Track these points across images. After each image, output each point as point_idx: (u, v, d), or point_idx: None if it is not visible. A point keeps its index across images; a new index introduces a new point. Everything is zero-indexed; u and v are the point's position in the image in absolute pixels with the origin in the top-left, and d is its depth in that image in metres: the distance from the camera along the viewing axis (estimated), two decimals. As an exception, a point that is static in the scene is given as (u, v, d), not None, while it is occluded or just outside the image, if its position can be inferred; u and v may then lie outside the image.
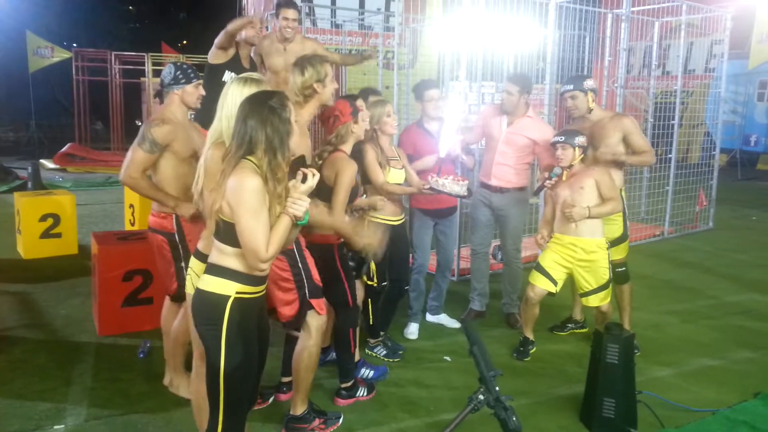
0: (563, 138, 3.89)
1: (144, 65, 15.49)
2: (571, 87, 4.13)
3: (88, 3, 20.46)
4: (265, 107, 2.20)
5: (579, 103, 4.12)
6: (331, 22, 11.95)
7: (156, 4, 25.15)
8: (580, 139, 3.87)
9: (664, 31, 8.98)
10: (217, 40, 4.79)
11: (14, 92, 16.95)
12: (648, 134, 8.05)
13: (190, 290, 2.65)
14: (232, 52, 4.75)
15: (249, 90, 2.47)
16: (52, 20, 18.46)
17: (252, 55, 5.04)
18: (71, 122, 15.85)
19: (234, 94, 2.50)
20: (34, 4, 17.20)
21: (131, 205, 6.96)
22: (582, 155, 3.89)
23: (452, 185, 3.89)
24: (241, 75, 2.68)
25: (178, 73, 3.26)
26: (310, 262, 3.01)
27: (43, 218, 6.21)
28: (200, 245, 2.65)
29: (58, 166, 12.48)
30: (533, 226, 6.30)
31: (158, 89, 3.39)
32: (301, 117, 3.12)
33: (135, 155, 3.21)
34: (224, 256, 2.25)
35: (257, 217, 2.13)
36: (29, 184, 10.04)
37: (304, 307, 2.97)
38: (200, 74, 3.45)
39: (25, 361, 3.89)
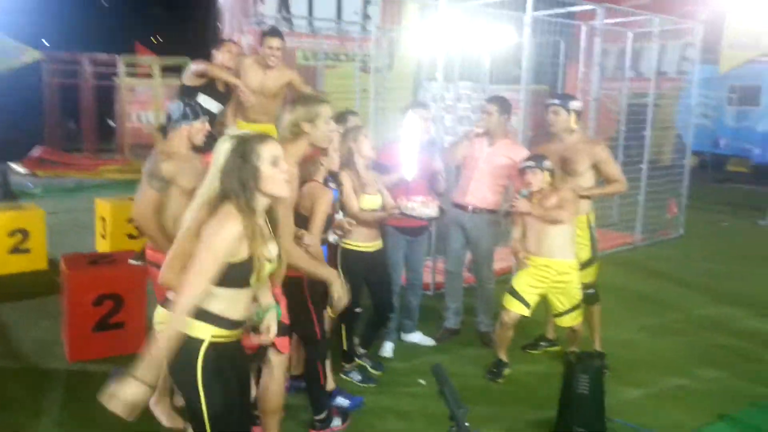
0: (533, 163, 3.92)
1: (116, 67, 15.27)
2: (557, 102, 4.16)
3: (57, 1, 20.05)
4: (238, 149, 2.18)
5: (560, 120, 4.15)
6: (309, 24, 11.89)
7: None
8: (548, 163, 3.92)
9: (637, 38, 9.09)
10: (194, 68, 4.77)
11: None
12: (620, 137, 8.18)
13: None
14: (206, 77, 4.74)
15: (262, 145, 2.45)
16: (22, 18, 18.05)
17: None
18: (42, 124, 15.52)
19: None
20: (2, 2, 16.82)
21: (103, 218, 6.86)
22: (550, 178, 3.93)
23: (421, 208, 3.92)
24: (233, 131, 2.65)
25: (187, 109, 3.32)
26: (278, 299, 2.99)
27: (12, 233, 6.10)
28: (170, 294, 2.63)
29: (28, 171, 12.25)
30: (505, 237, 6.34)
31: (163, 125, 3.41)
32: (290, 155, 3.09)
33: (146, 195, 3.21)
34: (205, 296, 2.19)
35: (214, 257, 2.09)
36: (-1, 192, 9.89)
37: (263, 347, 2.95)
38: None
39: (-7, 391, 3.83)
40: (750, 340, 4.87)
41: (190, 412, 2.26)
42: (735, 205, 10.86)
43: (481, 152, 4.49)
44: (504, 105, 4.44)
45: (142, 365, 2.08)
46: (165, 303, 2.75)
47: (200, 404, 2.18)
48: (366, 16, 12.34)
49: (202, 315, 2.20)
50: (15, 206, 6.66)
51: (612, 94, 11.17)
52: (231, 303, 2.22)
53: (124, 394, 2.08)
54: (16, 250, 6.12)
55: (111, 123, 18.10)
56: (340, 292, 3.01)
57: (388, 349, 4.41)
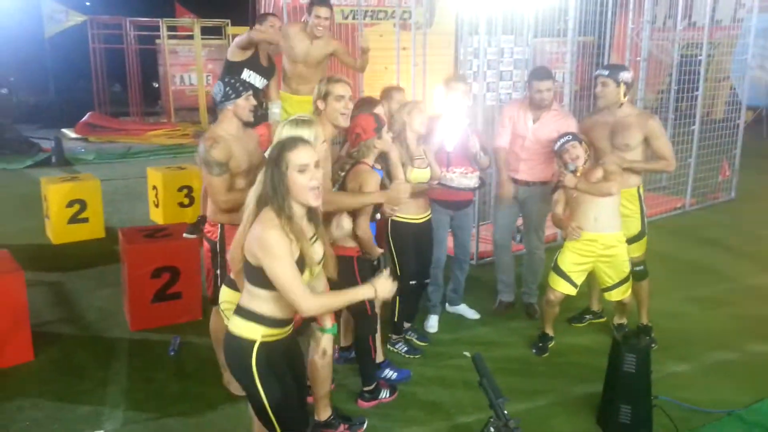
0: (570, 138, 3.88)
1: (159, 30, 15.37)
2: (606, 73, 4.03)
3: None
4: (271, 156, 2.28)
5: (608, 92, 4.03)
6: (346, -18, 11.74)
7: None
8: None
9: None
10: (238, 40, 4.81)
11: (32, 57, 16.95)
12: (672, 91, 7.91)
13: (226, 322, 2.75)
14: (249, 51, 4.76)
15: (301, 131, 2.52)
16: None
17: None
18: (89, 87, 15.85)
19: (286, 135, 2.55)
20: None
21: (154, 187, 7.08)
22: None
23: (460, 179, 3.94)
24: (292, 117, 2.71)
25: (228, 89, 3.35)
26: None
27: (70, 204, 6.35)
28: (233, 273, 2.75)
29: (79, 136, 12.60)
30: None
31: (212, 107, 3.50)
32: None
33: (213, 183, 3.28)
34: (252, 298, 2.33)
35: (285, 263, 2.20)
36: (53, 159, 10.23)
37: (308, 319, 3.06)
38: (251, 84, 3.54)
39: (64, 360, 4.08)
40: (804, 311, 4.79)
41: (253, 405, 2.41)
42: (791, 163, 10.46)
43: (525, 129, 4.40)
44: (552, 77, 4.35)
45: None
46: (229, 282, 2.88)
47: (261, 398, 2.33)
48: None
49: (252, 316, 2.32)
50: (72, 177, 6.91)
51: (663, 44, 10.75)
52: (278, 303, 2.31)
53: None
54: (74, 219, 6.39)
55: (155, 85, 18.35)
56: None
57: (433, 322, 4.49)
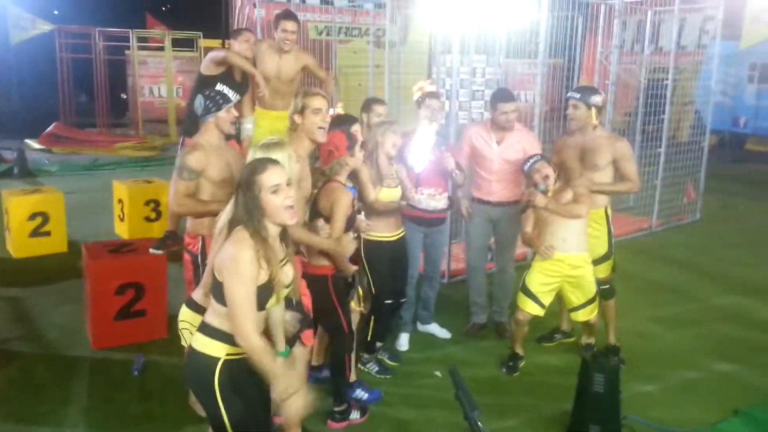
0: (538, 158, 3.93)
1: (129, 41, 15.21)
2: (577, 96, 4.07)
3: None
4: (242, 183, 2.26)
5: (579, 115, 4.07)
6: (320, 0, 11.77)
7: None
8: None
9: (657, 16, 8.92)
10: (213, 56, 4.78)
11: (-5, 65, 16.61)
12: (639, 114, 8.08)
13: (186, 342, 2.68)
14: (224, 65, 4.73)
15: (273, 155, 2.49)
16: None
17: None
18: (55, 97, 15.55)
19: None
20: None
21: (120, 200, 6.93)
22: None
23: (428, 200, 3.95)
24: (263, 142, 2.68)
25: (208, 102, 3.36)
26: (303, 294, 3.05)
27: (32, 217, 6.19)
28: (195, 294, 2.68)
29: (43, 147, 12.33)
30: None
31: (182, 119, 3.48)
32: (294, 149, 3.14)
33: (177, 186, 3.28)
34: (217, 316, 2.28)
35: (247, 287, 2.17)
36: (15, 170, 9.97)
37: (293, 338, 3.01)
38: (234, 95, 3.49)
39: (23, 378, 3.95)
40: (766, 331, 4.88)
41: (213, 425, 2.34)
42: (754, 185, 10.77)
43: (491, 152, 4.42)
44: (515, 99, 4.39)
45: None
46: (189, 302, 2.81)
47: (222, 417, 2.27)
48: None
49: (217, 334, 2.28)
50: (34, 189, 6.73)
51: (631, 68, 11.01)
52: None
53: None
54: (36, 233, 6.22)
55: (123, 96, 18.11)
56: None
57: (403, 341, 4.46)
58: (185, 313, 2.90)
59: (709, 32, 12.50)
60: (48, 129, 12.96)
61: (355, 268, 3.44)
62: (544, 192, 3.89)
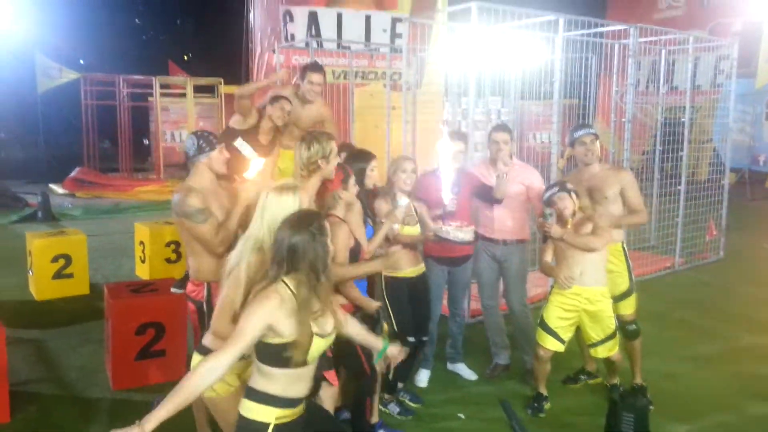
0: (557, 188, 3.89)
1: (152, 87, 15.60)
2: (593, 131, 4.15)
3: (95, 22, 20.61)
4: (307, 231, 2.27)
5: (596, 149, 4.15)
6: (338, 44, 12.05)
7: (163, 22, 25.31)
8: (569, 185, 3.90)
9: (671, 55, 8.98)
10: (237, 92, 4.82)
11: (23, 112, 17.12)
12: (656, 152, 8.05)
13: (207, 393, 2.62)
14: (251, 122, 4.77)
15: (286, 198, 2.50)
16: (60, 40, 18.61)
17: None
18: (80, 143, 15.93)
19: (272, 205, 2.52)
20: (42, 25, 17.36)
21: (141, 242, 7.00)
22: (578, 200, 3.90)
23: (456, 232, 3.92)
24: (276, 185, 2.69)
25: (201, 142, 3.29)
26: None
27: (55, 259, 6.25)
28: (205, 340, 2.66)
29: (67, 191, 12.56)
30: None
31: (184, 162, 3.43)
32: (305, 191, 3.16)
33: (200, 231, 3.18)
34: (262, 378, 2.27)
35: (255, 325, 2.18)
36: (39, 214, 10.15)
37: (317, 380, 2.98)
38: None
39: (41, 420, 3.92)
40: (798, 371, 4.74)
41: None
42: (776, 224, 10.62)
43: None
44: (511, 131, 4.42)
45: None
46: (200, 348, 2.78)
47: None
48: (395, 34, 12.46)
49: (263, 398, 2.26)
50: (57, 232, 6.82)
51: (646, 107, 11.04)
52: (291, 382, 2.28)
53: None
54: (59, 275, 6.27)
55: (146, 141, 18.50)
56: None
57: (423, 377, 4.40)
58: (197, 360, 2.85)
59: (723, 71, 12.58)
60: (72, 174, 13.21)
61: (377, 304, 3.41)
62: (549, 217, 3.84)
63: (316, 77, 4.95)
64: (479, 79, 6.09)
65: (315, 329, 2.26)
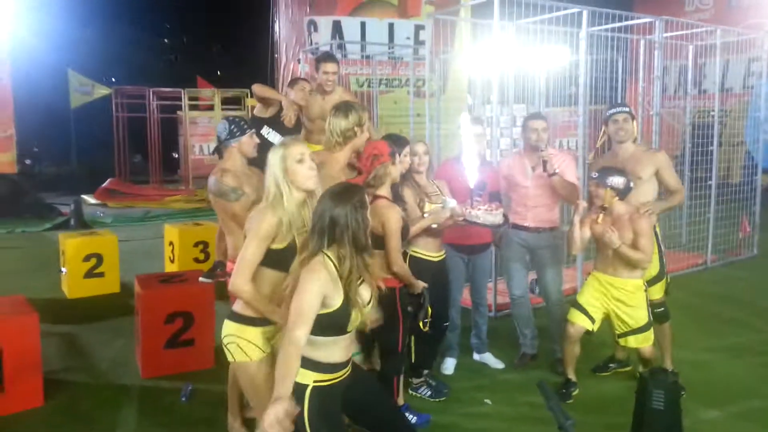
0: (596, 176, 3.84)
1: (180, 100, 15.90)
2: (627, 110, 4.12)
3: (125, 39, 21.15)
4: (350, 203, 2.33)
5: (629, 127, 4.11)
6: (361, 54, 12.17)
7: (190, 36, 25.85)
8: (614, 180, 3.75)
9: (698, 52, 8.88)
10: (254, 89, 4.91)
11: (56, 129, 17.56)
12: (686, 155, 7.94)
13: (240, 358, 2.68)
14: (274, 109, 4.85)
15: (288, 148, 2.56)
16: (92, 57, 19.12)
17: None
18: (111, 157, 16.28)
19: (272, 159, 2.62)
20: (74, 43, 17.87)
21: (171, 243, 7.11)
22: (615, 197, 3.78)
23: (486, 215, 3.87)
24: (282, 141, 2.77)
25: (233, 127, 3.43)
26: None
27: (87, 258, 6.38)
28: (236, 306, 2.70)
29: (99, 201, 12.82)
30: (569, 259, 6.19)
31: (216, 146, 3.55)
32: (337, 163, 3.21)
33: (235, 209, 3.32)
34: (304, 345, 2.30)
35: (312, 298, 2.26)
36: (72, 221, 10.37)
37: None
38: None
39: (71, 406, 3.99)
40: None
41: None
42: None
43: (526, 178, 4.38)
44: (546, 119, 4.40)
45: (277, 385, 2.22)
46: (231, 315, 2.81)
47: None
48: (418, 41, 12.53)
49: (304, 363, 2.30)
50: (89, 233, 6.98)
51: (675, 111, 10.89)
52: (334, 348, 2.35)
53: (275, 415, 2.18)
54: (90, 274, 6.40)
55: (175, 155, 18.82)
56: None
57: (449, 365, 4.39)
58: (229, 326, 2.86)
59: (754, 73, 12.36)
60: (103, 184, 13.49)
61: (423, 284, 3.38)
62: (605, 210, 3.79)
63: (330, 66, 5.00)
64: (502, 84, 6.04)
65: (357, 298, 2.32)
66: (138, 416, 3.85)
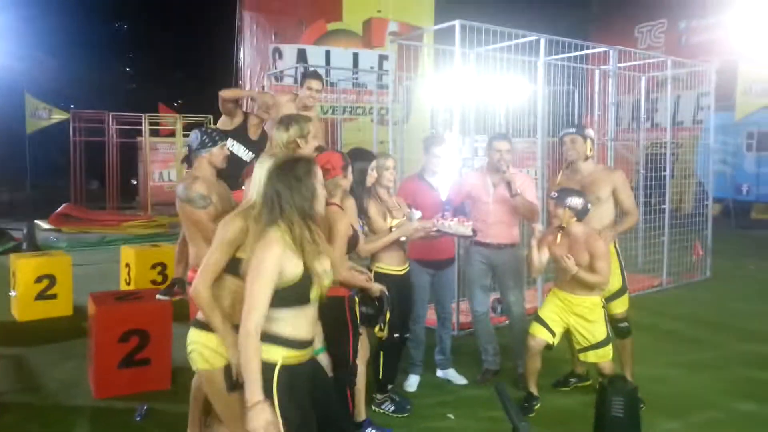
0: (556, 196, 3.91)
1: (141, 125, 15.70)
2: (573, 131, 4.24)
3: (85, 64, 20.90)
4: (292, 174, 2.31)
5: (578, 147, 4.21)
6: (326, 80, 12.26)
7: (153, 64, 25.69)
8: (573, 201, 3.80)
9: (651, 86, 9.22)
10: (221, 94, 4.88)
11: (11, 153, 17.12)
12: (641, 186, 8.19)
13: (201, 365, 2.62)
14: (238, 121, 4.82)
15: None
16: (50, 82, 18.82)
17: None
18: (67, 183, 15.90)
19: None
20: (31, 66, 17.57)
21: (127, 264, 6.94)
22: (573, 217, 3.82)
23: (457, 227, 3.94)
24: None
25: (204, 138, 3.42)
26: None
27: (39, 279, 6.17)
28: (201, 314, 2.63)
29: (53, 227, 12.44)
30: (529, 279, 6.25)
31: (186, 155, 3.54)
32: None
33: (200, 216, 3.28)
34: (270, 320, 2.26)
35: (264, 282, 2.21)
36: (24, 245, 10.02)
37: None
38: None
39: (19, 428, 3.80)
40: (787, 375, 4.73)
41: None
42: (762, 247, 10.70)
43: (487, 195, 4.45)
44: (502, 135, 4.51)
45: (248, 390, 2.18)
46: (196, 323, 2.75)
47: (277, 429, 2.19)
48: (382, 72, 12.71)
49: (271, 338, 2.26)
50: (41, 253, 6.76)
51: (629, 144, 11.24)
52: (298, 322, 2.30)
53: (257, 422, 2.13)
54: (42, 296, 6.18)
55: (134, 182, 18.50)
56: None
57: (413, 382, 4.36)
58: (194, 334, 2.79)
59: (703, 108, 12.89)
60: (58, 209, 13.11)
61: (380, 287, 3.37)
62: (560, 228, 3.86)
63: (315, 83, 5.03)
64: (464, 115, 6.14)
65: (316, 267, 2.29)
66: (90, 435, 3.69)
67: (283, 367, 2.24)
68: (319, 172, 2.40)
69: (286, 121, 3.34)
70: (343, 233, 3.20)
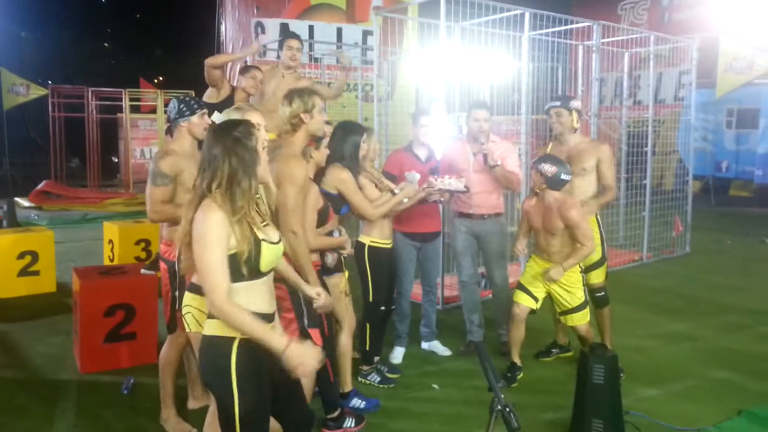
0: (536, 161, 3.97)
1: (121, 101, 15.46)
2: (558, 104, 4.26)
3: (64, 40, 20.50)
4: (229, 137, 2.16)
5: (563, 120, 4.24)
6: (309, 55, 12.14)
7: (132, 40, 25.26)
8: (545, 167, 3.84)
9: (634, 62, 9.27)
10: (208, 62, 4.84)
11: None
12: (622, 162, 8.28)
13: (195, 328, 2.63)
14: (225, 93, 4.79)
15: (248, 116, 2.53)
16: (28, 57, 18.45)
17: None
18: (46, 160, 15.66)
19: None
20: (8, 41, 17.19)
21: (110, 241, 6.90)
22: (543, 184, 3.88)
23: (456, 183, 4.06)
24: (234, 107, 2.74)
25: (182, 106, 3.31)
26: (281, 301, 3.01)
27: (21, 256, 6.12)
28: (195, 278, 2.65)
29: (33, 204, 12.30)
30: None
31: (167, 125, 3.44)
32: (293, 145, 3.18)
33: (151, 192, 3.20)
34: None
35: (213, 252, 2.08)
36: (4, 223, 9.90)
37: (303, 337, 2.96)
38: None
39: (5, 401, 3.81)
40: (760, 343, 4.86)
41: (221, 412, 2.18)
42: (740, 224, 10.89)
43: (467, 163, 4.47)
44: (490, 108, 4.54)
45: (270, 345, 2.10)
46: (191, 287, 2.77)
47: (232, 406, 2.12)
48: (366, 48, 12.63)
49: None
50: (23, 229, 6.69)
51: (611, 122, 11.31)
52: (255, 294, 2.18)
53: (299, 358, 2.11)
54: (25, 272, 6.13)
55: (115, 159, 18.27)
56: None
57: (398, 354, 4.42)
58: (189, 298, 2.81)
59: (684, 86, 12.98)
60: (38, 187, 12.95)
61: (344, 238, 3.45)
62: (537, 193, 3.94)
63: (294, 42, 5.04)
64: (448, 92, 6.12)
65: (261, 235, 2.17)
66: (77, 409, 3.71)
67: (242, 343, 2.12)
68: (262, 135, 2.28)
69: (289, 96, 3.23)
70: (312, 204, 3.22)
